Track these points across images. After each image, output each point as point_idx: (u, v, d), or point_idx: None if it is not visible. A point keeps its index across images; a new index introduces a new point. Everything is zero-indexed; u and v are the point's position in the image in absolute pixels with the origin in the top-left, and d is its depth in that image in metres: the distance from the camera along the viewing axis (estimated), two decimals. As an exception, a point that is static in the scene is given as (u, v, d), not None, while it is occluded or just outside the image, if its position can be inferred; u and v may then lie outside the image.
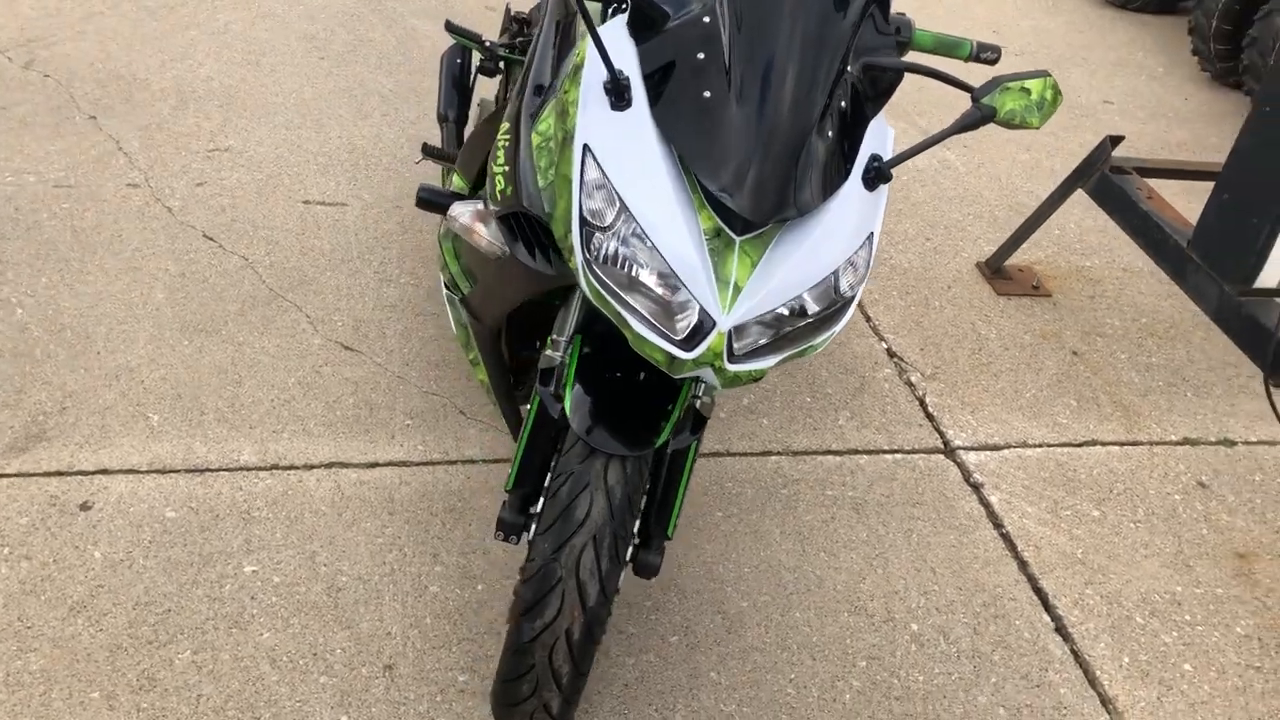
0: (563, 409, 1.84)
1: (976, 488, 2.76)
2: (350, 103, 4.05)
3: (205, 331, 2.89)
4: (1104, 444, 2.97)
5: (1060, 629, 2.42)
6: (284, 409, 2.69)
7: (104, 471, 2.46)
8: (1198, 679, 2.36)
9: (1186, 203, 3.51)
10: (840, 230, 1.69)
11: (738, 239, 1.63)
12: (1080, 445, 2.96)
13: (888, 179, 1.75)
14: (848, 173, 1.71)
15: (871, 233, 1.75)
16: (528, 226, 1.84)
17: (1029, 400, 3.08)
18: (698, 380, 1.85)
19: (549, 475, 1.88)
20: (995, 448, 2.90)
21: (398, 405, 2.75)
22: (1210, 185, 3.28)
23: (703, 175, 1.61)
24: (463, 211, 1.98)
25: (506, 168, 1.87)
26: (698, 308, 1.61)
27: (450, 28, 2.85)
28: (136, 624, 2.15)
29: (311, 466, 2.55)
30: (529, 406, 1.91)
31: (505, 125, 1.94)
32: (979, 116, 1.77)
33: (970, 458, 2.85)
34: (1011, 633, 2.39)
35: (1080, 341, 3.36)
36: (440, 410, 2.75)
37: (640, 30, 1.71)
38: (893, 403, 2.99)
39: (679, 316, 1.62)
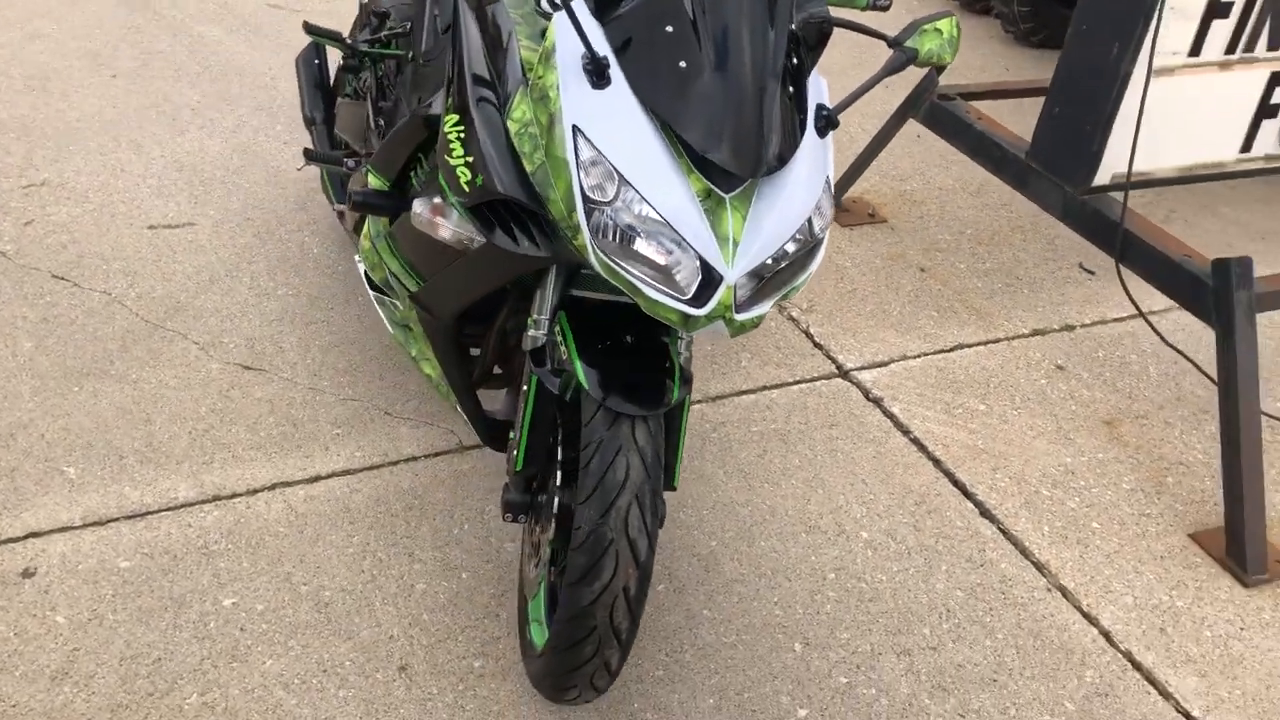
0: (565, 384, 1.91)
1: (877, 402, 2.99)
2: (161, 119, 3.86)
3: (93, 374, 2.74)
4: (970, 346, 3.27)
5: (985, 513, 2.68)
6: (205, 439, 2.60)
7: (34, 535, 2.32)
8: (1106, 533, 2.67)
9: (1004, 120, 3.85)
10: (806, 178, 1.82)
11: (727, 197, 1.73)
12: (951, 350, 3.24)
13: (835, 125, 1.89)
14: (803, 124, 1.84)
15: (828, 177, 1.89)
16: (504, 213, 1.87)
17: (896, 317, 3.34)
18: (679, 339, 1.95)
19: (562, 448, 1.94)
20: (882, 364, 3.14)
21: (321, 416, 2.71)
22: (1020, 101, 3.64)
23: (692, 139, 1.71)
24: (424, 207, 1.99)
25: (469, 158, 1.89)
26: (699, 266, 1.71)
27: (308, 28, 2.79)
28: (130, 679, 2.07)
29: (255, 491, 2.48)
30: (525, 388, 1.96)
31: (453, 118, 1.96)
32: (904, 59, 1.94)
33: (864, 376, 3.08)
34: (946, 524, 2.63)
35: (924, 258, 3.65)
36: (365, 414, 2.73)
37: (603, 9, 1.78)
38: (784, 339, 3.18)
39: (684, 277, 1.72)
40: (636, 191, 1.69)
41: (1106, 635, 2.41)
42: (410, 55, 2.63)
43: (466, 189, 1.89)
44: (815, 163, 1.85)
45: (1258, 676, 2.36)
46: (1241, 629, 2.47)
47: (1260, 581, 2.57)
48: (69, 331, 2.87)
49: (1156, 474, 2.87)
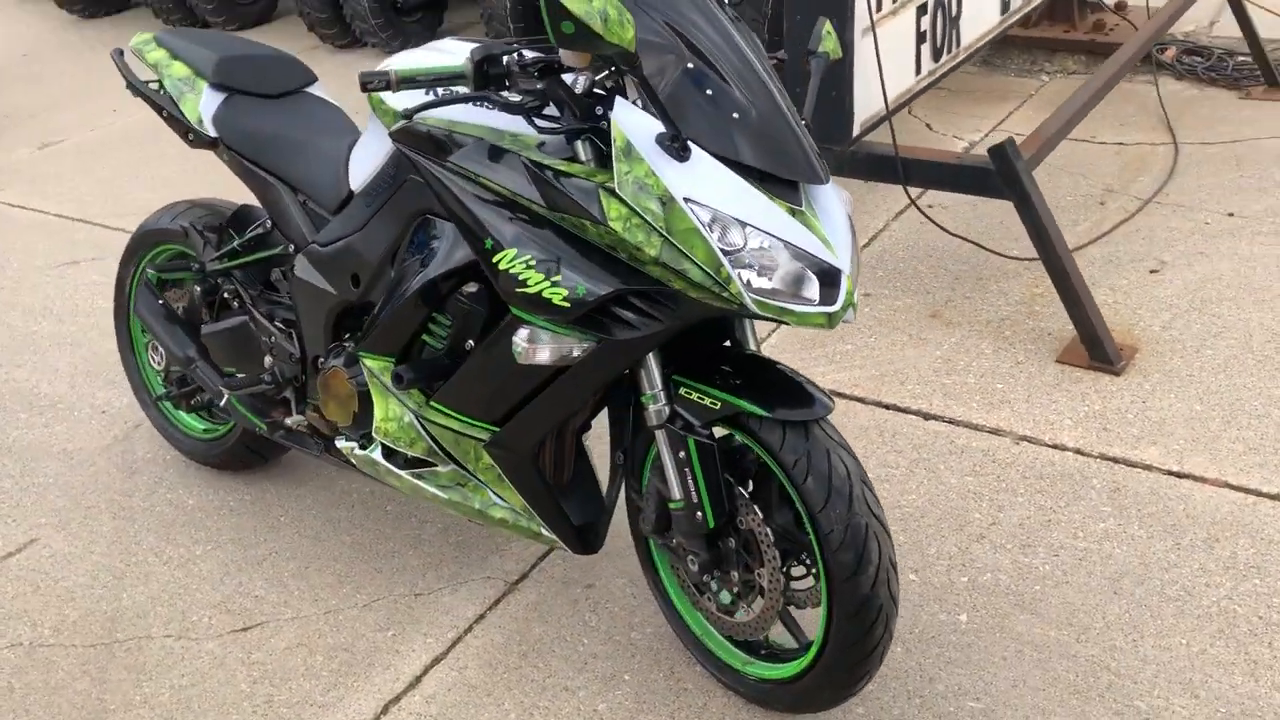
0: (711, 435, 2.06)
1: (777, 381, 3.33)
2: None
3: None
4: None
5: (928, 415, 3.11)
6: (270, 713, 2.38)
7: None
8: (1009, 389, 3.21)
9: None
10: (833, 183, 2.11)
11: (801, 209, 1.99)
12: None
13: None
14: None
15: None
16: (607, 310, 1.98)
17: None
18: (749, 337, 2.18)
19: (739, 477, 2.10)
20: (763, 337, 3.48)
21: (361, 631, 2.57)
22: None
23: (774, 170, 1.94)
24: (526, 347, 2.04)
25: (554, 278, 1.98)
26: (821, 271, 1.94)
27: (160, 269, 2.61)
28: None
29: (375, 721, 2.34)
30: (680, 455, 2.08)
31: (508, 254, 2.02)
32: (826, 63, 2.28)
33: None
34: (913, 438, 3.03)
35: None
36: (400, 606, 2.63)
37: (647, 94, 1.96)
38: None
39: (812, 285, 1.94)
40: (756, 228, 1.90)
41: (1079, 451, 2.94)
42: (291, 249, 2.57)
43: (567, 305, 1.98)
44: None
45: (1189, 404, 2.99)
46: (1134, 399, 3.10)
47: (1124, 367, 3.23)
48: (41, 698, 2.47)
49: (995, 333, 3.46)
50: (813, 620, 2.29)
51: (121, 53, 2.88)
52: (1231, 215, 4.05)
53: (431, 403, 2.28)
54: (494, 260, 2.06)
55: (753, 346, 2.21)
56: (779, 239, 1.91)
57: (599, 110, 2.02)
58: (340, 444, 2.56)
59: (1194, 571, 2.53)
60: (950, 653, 2.38)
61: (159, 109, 2.75)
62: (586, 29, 1.79)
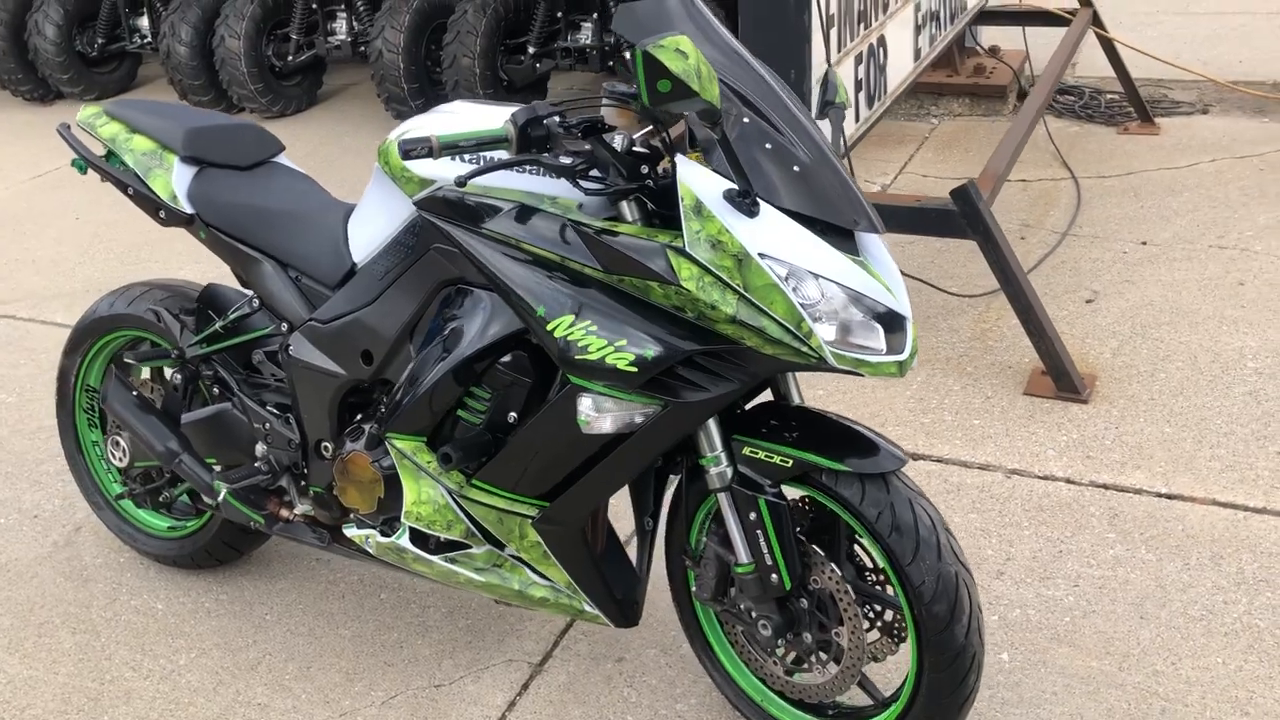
0: (781, 495, 2.02)
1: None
2: None
3: None
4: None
5: (917, 456, 3.13)
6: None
7: None
8: (986, 425, 3.26)
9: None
10: None
11: (861, 258, 1.97)
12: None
13: None
14: None
15: None
16: (674, 373, 1.92)
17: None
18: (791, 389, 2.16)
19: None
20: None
21: (385, 730, 2.40)
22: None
23: (839, 220, 1.92)
24: (593, 416, 1.96)
25: (619, 342, 1.91)
26: (879, 322, 1.93)
27: (138, 357, 2.40)
28: None
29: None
30: (751, 517, 2.02)
31: (564, 320, 1.94)
32: (842, 111, 2.29)
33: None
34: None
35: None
36: (422, 698, 2.47)
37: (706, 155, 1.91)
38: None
39: (876, 335, 1.93)
40: (831, 281, 1.87)
41: (1070, 480, 3.00)
42: (284, 328, 2.41)
43: (634, 370, 1.91)
44: None
45: (1160, 427, 3.09)
46: (1107, 426, 3.19)
47: (1090, 395, 3.33)
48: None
49: (958, 369, 3.53)
50: (883, 674, 2.26)
51: (68, 127, 2.67)
52: (1145, 244, 4.26)
53: (474, 481, 2.16)
54: (549, 328, 1.98)
55: (797, 399, 2.18)
56: (852, 290, 1.89)
57: (644, 169, 1.97)
58: (351, 533, 2.40)
59: (1209, 590, 2.60)
60: (1003, 693, 2.37)
61: (123, 186, 2.56)
62: (684, 87, 1.75)
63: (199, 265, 4.71)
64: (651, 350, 1.91)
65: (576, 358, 1.96)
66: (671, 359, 1.91)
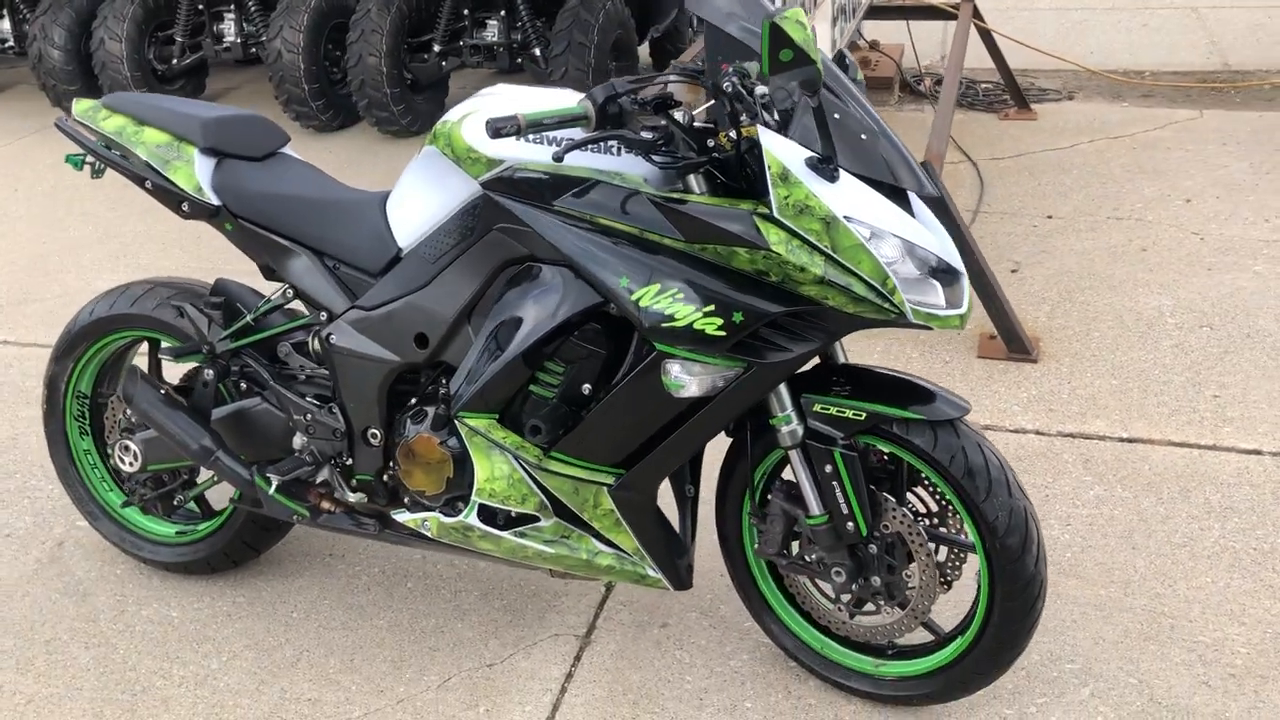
0: (852, 446, 2.14)
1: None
2: None
3: None
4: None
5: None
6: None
7: None
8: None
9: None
10: None
11: (916, 220, 2.11)
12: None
13: None
14: None
15: None
16: (759, 335, 2.03)
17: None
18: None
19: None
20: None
21: (469, 700, 2.41)
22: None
23: (906, 184, 2.05)
24: (686, 380, 2.04)
25: (707, 308, 2.00)
26: (937, 279, 2.08)
27: (171, 352, 2.33)
28: None
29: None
30: (827, 470, 2.13)
31: (651, 289, 2.01)
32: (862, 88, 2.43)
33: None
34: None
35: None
36: (484, 674, 2.48)
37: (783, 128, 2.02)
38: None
39: (939, 291, 2.07)
40: (907, 240, 2.01)
41: (1039, 432, 3.23)
42: (326, 315, 2.40)
43: (723, 334, 2.00)
44: None
45: (1106, 380, 3.36)
46: (1059, 381, 3.45)
47: (1039, 355, 3.58)
48: None
49: (912, 339, 3.73)
50: (940, 611, 2.39)
51: (66, 120, 2.58)
52: (1050, 218, 4.58)
53: (552, 453, 2.21)
54: (634, 298, 2.05)
55: (842, 358, 2.31)
56: (921, 248, 2.03)
57: (710, 142, 2.06)
58: (403, 518, 2.41)
59: (1185, 520, 2.86)
60: (1029, 624, 2.56)
61: (139, 180, 2.48)
62: (805, 55, 1.85)
63: (116, 275, 4.56)
64: (738, 314, 2.00)
65: (664, 325, 2.03)
66: (757, 322, 2.01)
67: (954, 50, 4.98)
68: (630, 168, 2.12)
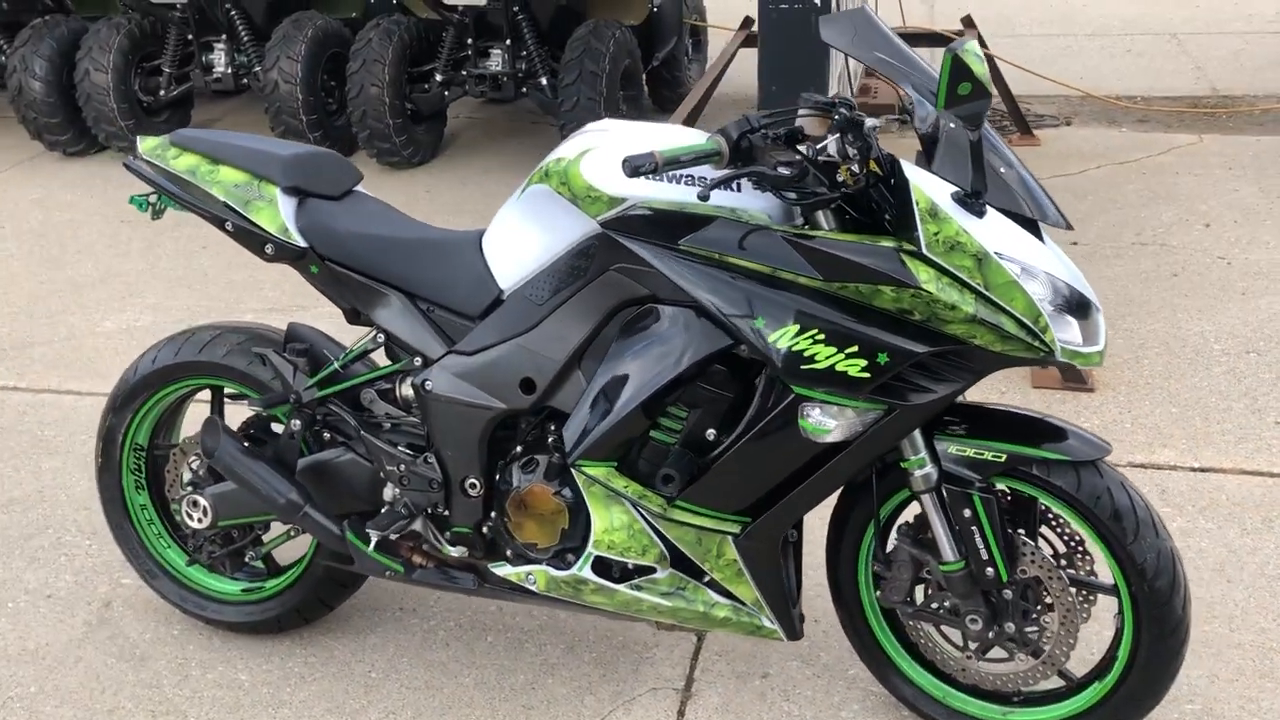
0: (991, 489, 2.08)
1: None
2: None
3: None
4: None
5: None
6: None
7: None
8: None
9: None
10: None
11: (1052, 253, 2.06)
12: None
13: None
14: None
15: None
16: (902, 377, 1.96)
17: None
18: None
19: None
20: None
21: (554, 775, 2.29)
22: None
23: (1038, 218, 2.00)
24: (831, 425, 1.97)
25: (850, 349, 1.93)
26: (1074, 315, 2.02)
27: (263, 403, 2.21)
28: None
29: None
30: (965, 514, 2.07)
31: (790, 329, 1.93)
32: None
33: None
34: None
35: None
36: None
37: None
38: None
39: (1070, 327, 2.01)
40: (1053, 276, 1.95)
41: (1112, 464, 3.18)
42: (421, 361, 2.29)
43: (868, 374, 1.94)
44: None
45: (1166, 408, 3.33)
46: (1120, 411, 3.42)
47: (1094, 385, 3.56)
48: None
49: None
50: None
51: (136, 160, 2.45)
52: (1076, 244, 4.57)
53: (677, 502, 2.11)
54: (771, 339, 1.97)
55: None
56: (1068, 284, 1.97)
57: (839, 177, 1.99)
58: (504, 571, 2.29)
59: (1274, 550, 2.83)
60: (1140, 664, 2.50)
61: (219, 221, 2.35)
62: (982, 88, 1.79)
63: (125, 315, 4.39)
64: (883, 355, 1.93)
65: (803, 367, 1.96)
66: (903, 362, 1.94)
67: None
68: (750, 204, 2.04)
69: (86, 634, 2.74)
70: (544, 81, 5.43)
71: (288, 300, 4.40)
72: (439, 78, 5.54)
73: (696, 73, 6.67)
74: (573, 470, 2.15)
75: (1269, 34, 7.68)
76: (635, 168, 1.88)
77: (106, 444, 2.62)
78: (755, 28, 5.94)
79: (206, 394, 2.61)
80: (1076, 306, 1.99)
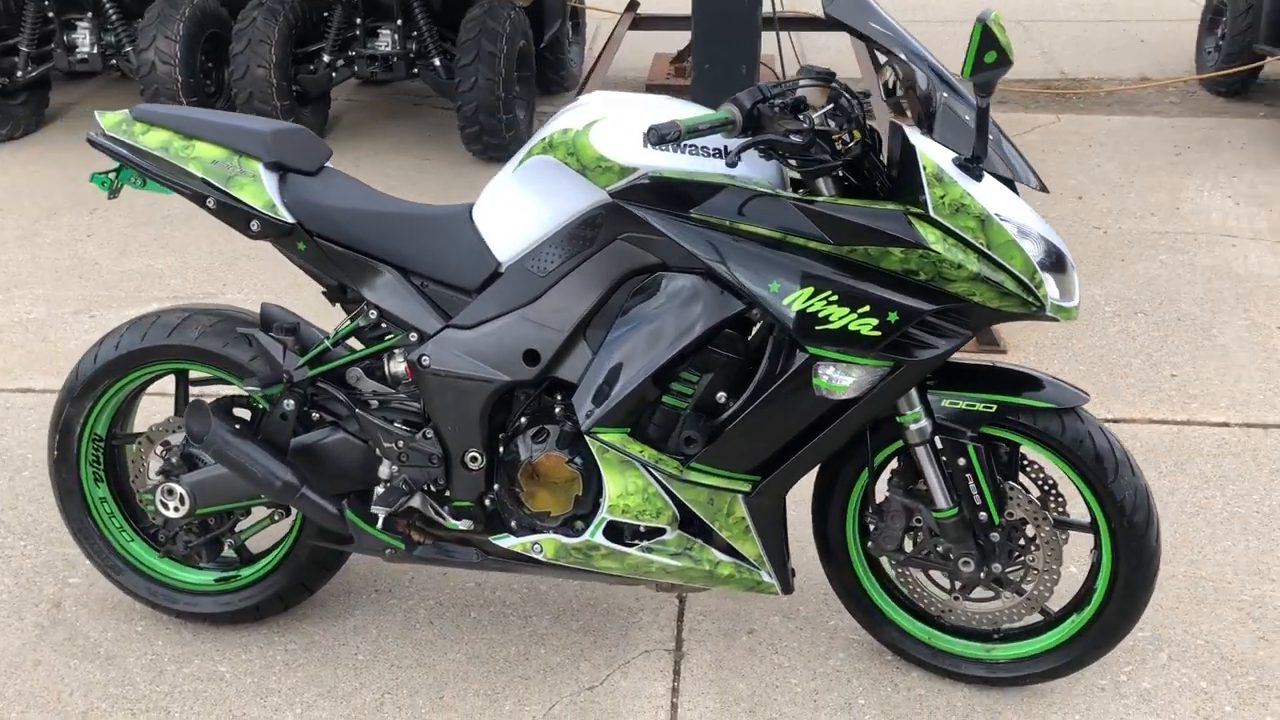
0: (981, 438, 2.20)
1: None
2: None
3: None
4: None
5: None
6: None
7: None
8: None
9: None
10: None
11: None
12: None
13: None
14: None
15: None
16: (909, 334, 2.06)
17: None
18: None
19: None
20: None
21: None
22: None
23: (1026, 182, 2.14)
24: (847, 382, 2.05)
25: (863, 307, 2.02)
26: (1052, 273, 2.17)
27: (250, 390, 2.14)
28: None
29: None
30: (960, 462, 2.19)
31: (805, 292, 2.01)
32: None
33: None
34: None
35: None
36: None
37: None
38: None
39: (1052, 283, 2.17)
40: (1044, 236, 2.09)
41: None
42: (417, 336, 2.27)
43: (878, 334, 2.04)
44: None
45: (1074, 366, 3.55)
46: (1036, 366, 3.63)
47: (1005, 346, 3.77)
48: None
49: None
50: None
51: (102, 135, 2.34)
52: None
53: (692, 464, 2.16)
54: (786, 302, 2.04)
55: None
56: (1054, 243, 2.11)
57: (838, 146, 2.09)
58: (508, 543, 2.30)
59: (1189, 490, 3.08)
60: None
61: (199, 199, 2.27)
62: (1005, 57, 1.89)
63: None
64: (893, 314, 2.03)
65: (817, 328, 2.04)
66: (911, 320, 2.04)
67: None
68: (750, 173, 2.11)
69: (40, 636, 2.61)
70: (436, 62, 5.36)
71: (193, 288, 4.24)
72: (326, 59, 5.41)
73: (576, 55, 6.70)
74: (587, 438, 2.18)
75: (1101, 22, 8.20)
76: (661, 136, 1.93)
77: (64, 435, 2.50)
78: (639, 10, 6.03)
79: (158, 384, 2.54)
80: (1057, 263, 2.14)
